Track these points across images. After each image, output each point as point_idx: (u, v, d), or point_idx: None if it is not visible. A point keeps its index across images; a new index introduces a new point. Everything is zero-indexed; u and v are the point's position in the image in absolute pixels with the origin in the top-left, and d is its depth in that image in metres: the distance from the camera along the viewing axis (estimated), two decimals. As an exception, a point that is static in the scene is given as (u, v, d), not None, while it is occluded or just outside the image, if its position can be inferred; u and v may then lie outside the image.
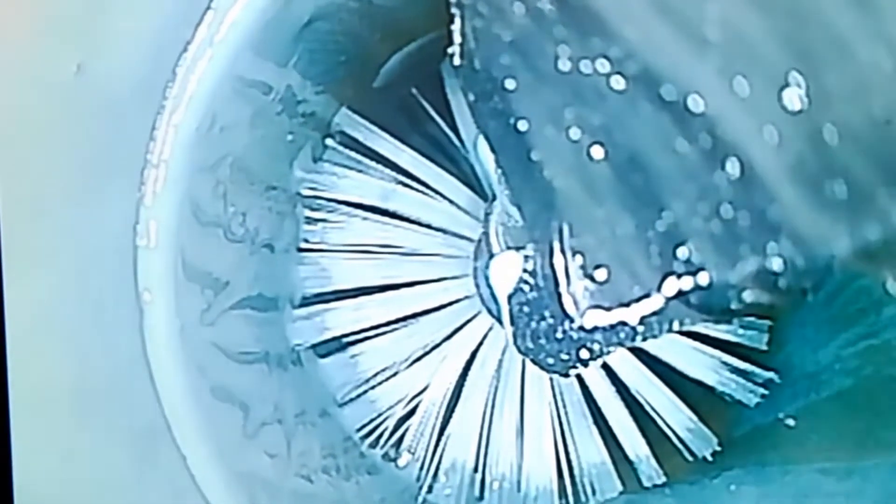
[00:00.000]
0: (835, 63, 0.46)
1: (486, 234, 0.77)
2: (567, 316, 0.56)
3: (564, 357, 0.62)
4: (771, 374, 0.90)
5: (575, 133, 0.52)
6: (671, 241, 0.51)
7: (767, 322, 0.92)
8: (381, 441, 0.91)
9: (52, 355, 0.61)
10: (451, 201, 0.90)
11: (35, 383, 0.60)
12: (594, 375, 0.89)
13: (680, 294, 0.52)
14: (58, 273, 0.61)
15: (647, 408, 0.89)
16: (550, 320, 0.62)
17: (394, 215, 0.90)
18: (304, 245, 0.90)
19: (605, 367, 0.89)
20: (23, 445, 0.59)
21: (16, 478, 0.59)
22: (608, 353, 0.60)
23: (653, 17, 0.49)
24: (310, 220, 0.90)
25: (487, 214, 0.78)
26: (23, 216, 0.59)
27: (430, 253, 0.90)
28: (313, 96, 0.82)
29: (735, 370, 0.90)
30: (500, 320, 0.74)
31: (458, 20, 0.56)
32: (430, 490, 0.90)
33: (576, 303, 0.55)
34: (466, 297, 0.89)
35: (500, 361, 0.90)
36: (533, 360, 0.65)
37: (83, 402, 0.62)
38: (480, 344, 0.90)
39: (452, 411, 0.90)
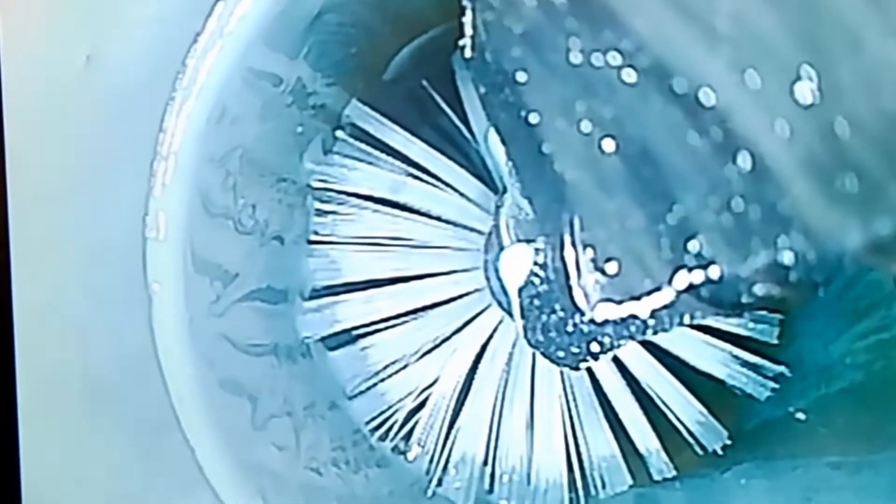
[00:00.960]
0: (847, 57, 0.46)
1: (496, 226, 0.77)
2: (577, 309, 0.56)
3: (575, 350, 0.62)
4: (781, 368, 0.90)
5: (586, 126, 0.52)
6: (682, 234, 0.51)
7: (778, 316, 0.92)
8: (391, 434, 0.91)
9: (60, 347, 0.61)
10: (461, 194, 0.90)
11: (43, 375, 0.60)
12: (604, 369, 0.89)
13: (691, 287, 0.52)
14: (66, 265, 0.61)
15: (658, 401, 0.89)
16: (561, 313, 0.62)
17: (404, 207, 0.90)
18: (313, 237, 0.90)
19: (616, 360, 0.88)
20: (30, 437, 0.59)
21: (23, 470, 0.59)
22: (619, 346, 0.60)
23: (664, 10, 0.48)
24: (320, 213, 0.89)
25: (498, 207, 0.78)
26: (32, 207, 0.59)
27: (440, 245, 0.90)
28: (324, 88, 0.82)
29: (745, 364, 0.90)
30: (510, 313, 0.74)
31: (469, 12, 0.55)
32: (439, 483, 0.90)
33: (586, 296, 0.55)
34: (476, 290, 0.89)
35: (511, 355, 0.89)
36: (543, 354, 0.65)
37: (91, 394, 0.62)
38: (490, 337, 0.90)
39: (462, 404, 0.90)
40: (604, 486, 0.90)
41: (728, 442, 0.90)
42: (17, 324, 0.58)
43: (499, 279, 0.77)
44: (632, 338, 0.58)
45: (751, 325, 0.91)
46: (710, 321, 0.88)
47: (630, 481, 0.90)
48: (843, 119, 0.46)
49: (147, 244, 0.65)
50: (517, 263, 0.69)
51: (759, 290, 0.50)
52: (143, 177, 0.64)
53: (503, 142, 0.57)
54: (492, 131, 0.64)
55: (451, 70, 0.90)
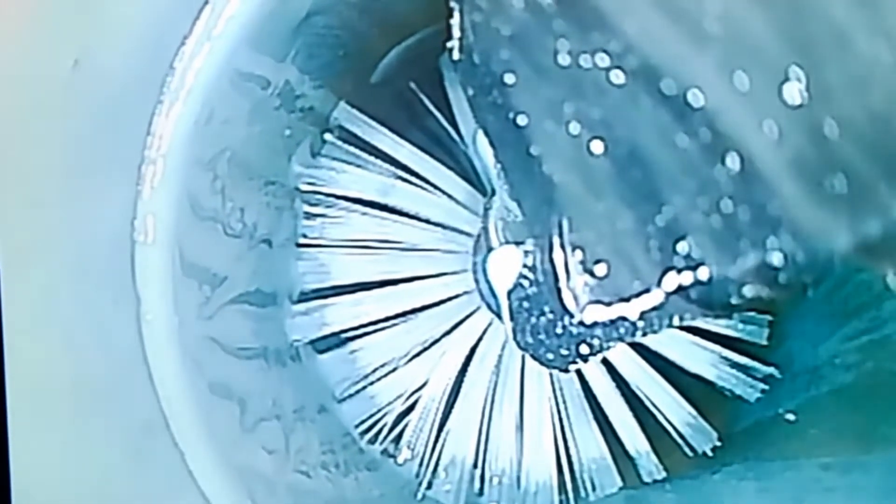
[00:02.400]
0: (835, 57, 0.46)
1: (485, 229, 0.77)
2: (567, 311, 0.56)
3: (564, 352, 0.62)
4: (771, 369, 0.90)
5: (574, 128, 0.52)
6: (671, 235, 0.51)
7: (768, 317, 0.92)
8: (381, 437, 0.91)
9: (49, 351, 0.61)
10: (450, 196, 0.90)
11: (32, 379, 0.60)
12: (594, 371, 0.89)
13: (680, 289, 0.51)
14: (55, 269, 0.61)
15: (647, 403, 0.89)
16: (550, 315, 0.62)
17: (393, 210, 0.90)
18: (302, 240, 0.90)
19: (605, 362, 0.89)
20: (20, 441, 0.59)
21: (13, 474, 0.59)
22: (608, 348, 0.60)
23: (652, 11, 0.48)
24: (308, 216, 0.89)
25: (487, 209, 0.78)
26: (19, 212, 0.59)
27: (429, 248, 0.90)
28: (311, 91, 0.82)
29: (735, 365, 0.90)
30: (499, 316, 0.74)
31: (456, 14, 0.55)
32: (429, 486, 0.90)
33: (575, 298, 0.55)
34: (466, 293, 0.89)
35: (500, 357, 0.90)
36: (532, 356, 0.65)
37: (80, 397, 0.62)
38: (480, 339, 0.90)
39: (452, 407, 0.90)
40: (594, 489, 0.90)
41: (718, 443, 0.90)
42: (5, 327, 0.58)
43: (487, 281, 0.77)
44: (621, 340, 0.58)
45: (740, 326, 0.91)
46: (700, 323, 0.88)
47: (620, 483, 0.90)
48: (831, 120, 0.46)
49: (136, 248, 0.64)
50: (505, 265, 0.69)
51: (748, 291, 0.50)
52: (132, 180, 0.64)
53: (491, 144, 0.57)
54: (480, 133, 0.64)
55: (439, 72, 0.90)
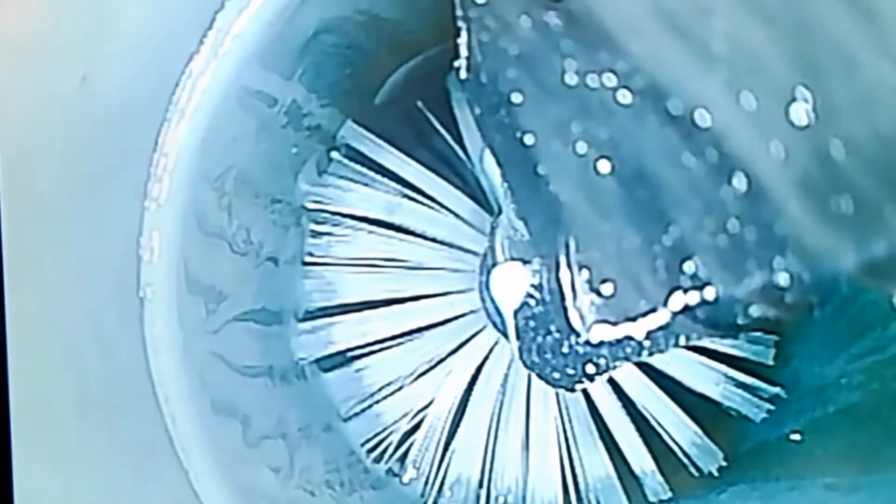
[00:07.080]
0: (842, 78, 0.46)
1: (491, 248, 0.77)
2: (573, 330, 0.56)
3: (570, 372, 0.62)
4: (777, 390, 0.90)
5: (581, 147, 0.52)
6: (678, 255, 0.51)
7: (774, 337, 0.92)
8: (386, 456, 0.91)
9: (54, 368, 0.61)
10: (456, 215, 0.90)
11: (36, 396, 0.60)
12: (600, 390, 0.89)
13: (686, 309, 0.51)
14: (60, 284, 0.61)
15: (653, 423, 0.89)
16: (556, 335, 0.62)
17: (399, 229, 0.90)
18: (308, 258, 0.90)
19: (611, 381, 0.88)
20: (24, 458, 0.59)
21: (17, 492, 0.59)
22: (614, 367, 0.60)
23: (660, 32, 0.48)
24: (315, 234, 0.90)
25: (493, 228, 0.78)
26: (27, 227, 0.59)
27: (435, 267, 0.90)
28: (318, 109, 0.82)
29: (741, 385, 0.90)
30: (505, 335, 0.74)
31: (464, 33, 0.55)
32: (434, 505, 0.90)
33: (582, 317, 0.55)
34: (472, 312, 0.89)
35: (506, 376, 0.89)
36: (539, 375, 0.65)
37: (84, 415, 0.62)
38: (486, 358, 0.90)
39: (458, 426, 0.90)
40: (599, 508, 0.89)
41: (724, 463, 0.90)
42: (10, 344, 0.58)
43: (493, 300, 0.77)
44: (627, 359, 0.58)
45: (746, 346, 0.91)
46: (706, 342, 0.88)
47: (626, 503, 0.89)
48: (838, 140, 0.46)
49: (141, 264, 0.64)
50: (510, 282, 0.69)
51: (754, 311, 0.50)
52: (138, 197, 0.64)
53: (498, 163, 0.57)
54: (487, 152, 0.64)
55: (446, 91, 0.90)
